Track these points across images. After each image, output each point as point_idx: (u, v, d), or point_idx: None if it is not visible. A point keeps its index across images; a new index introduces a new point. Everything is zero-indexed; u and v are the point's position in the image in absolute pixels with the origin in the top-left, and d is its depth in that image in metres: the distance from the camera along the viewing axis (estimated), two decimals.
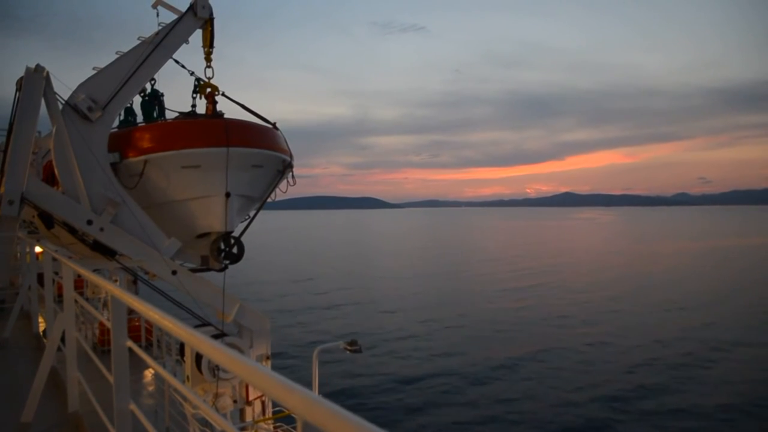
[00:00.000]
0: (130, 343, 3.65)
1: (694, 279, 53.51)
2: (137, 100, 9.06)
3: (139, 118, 9.36)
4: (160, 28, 8.24)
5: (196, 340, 1.83)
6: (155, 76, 8.61)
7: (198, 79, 8.80)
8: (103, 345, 11.92)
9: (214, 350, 1.70)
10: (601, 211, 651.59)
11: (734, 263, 66.43)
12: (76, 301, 5.79)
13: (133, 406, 3.63)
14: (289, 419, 8.84)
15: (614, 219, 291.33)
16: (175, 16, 8.34)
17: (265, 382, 1.37)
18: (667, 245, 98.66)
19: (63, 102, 7.49)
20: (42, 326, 10.55)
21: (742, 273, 57.06)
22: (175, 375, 9.73)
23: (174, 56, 8.42)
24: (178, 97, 9.19)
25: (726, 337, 29.69)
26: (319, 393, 10.83)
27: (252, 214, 9.58)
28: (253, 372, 1.44)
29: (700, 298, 42.27)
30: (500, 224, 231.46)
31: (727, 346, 27.97)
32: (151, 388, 10.04)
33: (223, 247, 8.66)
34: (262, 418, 8.70)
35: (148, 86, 8.98)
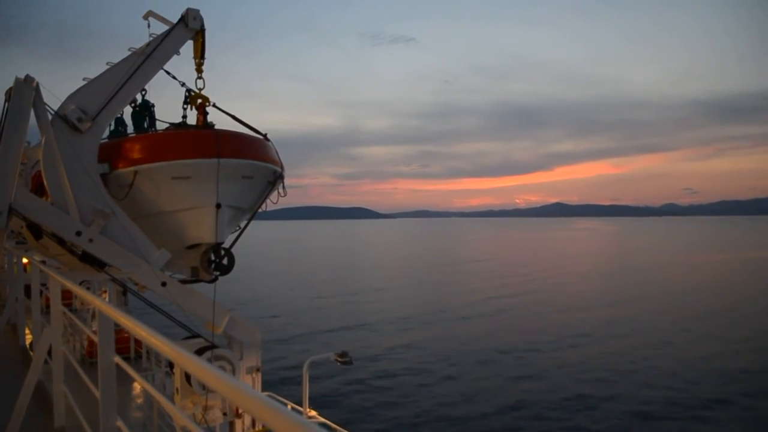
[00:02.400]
0: (117, 359, 3.62)
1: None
2: (128, 111, 9.04)
3: (130, 128, 9.34)
4: (151, 39, 8.24)
5: (184, 359, 1.82)
6: (146, 87, 8.61)
7: (189, 90, 8.80)
8: (91, 357, 11.80)
9: (200, 370, 1.69)
10: (596, 221, 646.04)
11: None
12: (64, 314, 5.73)
13: (120, 423, 3.59)
14: None
15: (616, 229, 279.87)
16: (166, 27, 8.35)
17: (251, 403, 1.36)
18: (708, 256, 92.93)
19: (52, 113, 7.46)
20: (29, 339, 10.42)
21: None
22: (164, 386, 9.67)
23: (165, 67, 8.42)
24: (168, 107, 9.18)
25: None
26: (309, 405, 10.76)
27: (242, 225, 9.56)
28: (239, 393, 1.43)
29: None
30: (502, 234, 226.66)
31: None
32: (140, 401, 9.94)
33: (213, 258, 8.64)
34: (252, 430, 8.64)
35: (139, 97, 8.97)
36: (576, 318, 38.59)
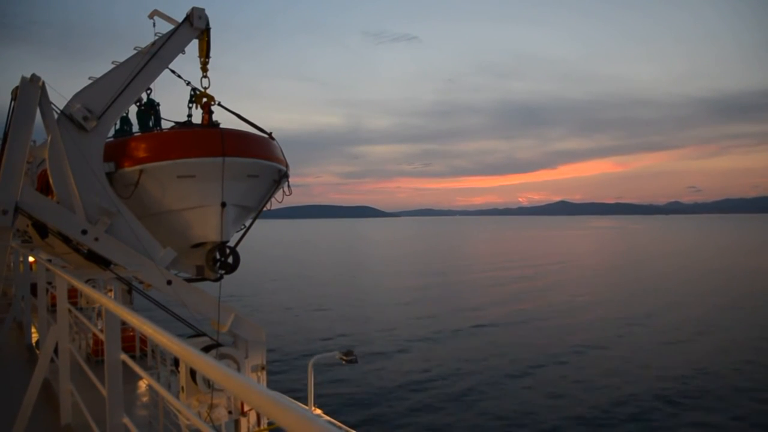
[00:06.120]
0: (124, 357, 3.63)
1: None
2: (133, 110, 9.07)
3: (135, 127, 9.36)
4: (157, 38, 8.26)
5: (191, 356, 1.82)
6: (151, 86, 8.63)
7: (194, 89, 8.81)
8: (97, 355, 11.86)
9: (208, 366, 1.69)
10: (613, 219, 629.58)
11: None
12: (69, 312, 5.75)
13: (126, 420, 3.61)
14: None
15: (643, 228, 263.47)
16: (171, 27, 8.36)
17: (260, 399, 1.36)
18: None
19: (58, 112, 7.48)
20: (35, 337, 10.48)
21: None
22: (169, 385, 9.71)
23: (170, 66, 8.43)
24: (173, 106, 9.20)
25: None
26: (315, 404, 10.78)
27: (248, 223, 9.57)
28: (247, 389, 1.43)
29: None
30: (518, 233, 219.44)
31: None
32: (145, 399, 9.98)
33: (218, 257, 8.64)
34: (257, 429, 8.66)
35: (144, 96, 8.99)
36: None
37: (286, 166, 9.21)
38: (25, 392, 5.39)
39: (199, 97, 8.81)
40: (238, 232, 9.36)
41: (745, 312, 40.08)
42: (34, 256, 11.05)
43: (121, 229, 7.77)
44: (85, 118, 7.55)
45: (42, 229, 7.78)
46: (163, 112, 9.35)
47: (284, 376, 23.59)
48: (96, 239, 7.54)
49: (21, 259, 11.96)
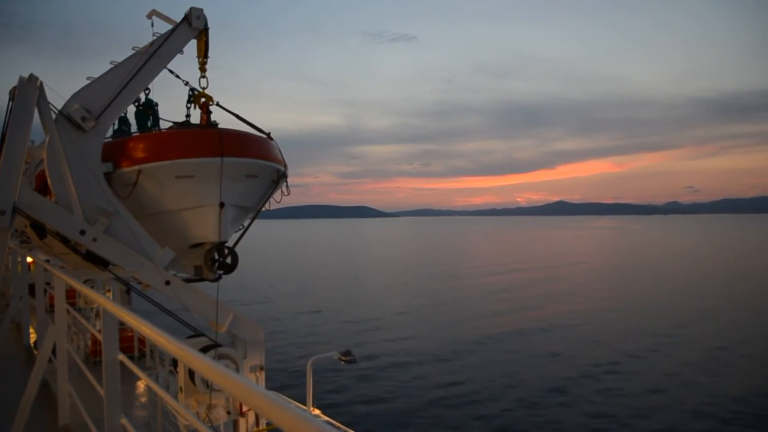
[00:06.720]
0: (122, 357, 3.63)
1: None
2: (131, 110, 9.08)
3: (133, 127, 9.36)
4: (155, 38, 8.26)
5: (189, 356, 1.82)
6: (149, 86, 8.63)
7: (192, 89, 8.81)
8: (95, 356, 11.84)
9: (207, 367, 1.69)
10: (611, 219, 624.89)
11: None
12: (68, 312, 5.75)
13: (124, 420, 3.61)
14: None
15: (643, 228, 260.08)
16: (169, 27, 8.36)
17: (258, 400, 1.36)
18: None
19: (56, 112, 7.48)
20: (33, 338, 10.46)
21: None
22: (168, 385, 9.69)
23: (168, 66, 8.43)
24: (172, 106, 9.22)
25: None
26: (313, 404, 10.77)
27: (246, 224, 9.57)
28: (246, 390, 1.43)
29: None
30: (521, 234, 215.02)
31: None
32: (143, 400, 9.98)
33: (216, 257, 8.65)
34: (255, 429, 8.65)
35: (143, 96, 8.99)
36: None
37: (285, 166, 9.22)
38: (23, 393, 5.38)
39: (198, 97, 8.81)
40: (236, 232, 9.36)
41: None
42: (32, 257, 11.03)
43: (119, 229, 7.76)
44: (84, 119, 7.55)
45: (40, 230, 7.77)
46: (162, 112, 9.36)
47: (283, 376, 23.56)
48: (94, 239, 7.53)
49: (19, 259, 11.94)
